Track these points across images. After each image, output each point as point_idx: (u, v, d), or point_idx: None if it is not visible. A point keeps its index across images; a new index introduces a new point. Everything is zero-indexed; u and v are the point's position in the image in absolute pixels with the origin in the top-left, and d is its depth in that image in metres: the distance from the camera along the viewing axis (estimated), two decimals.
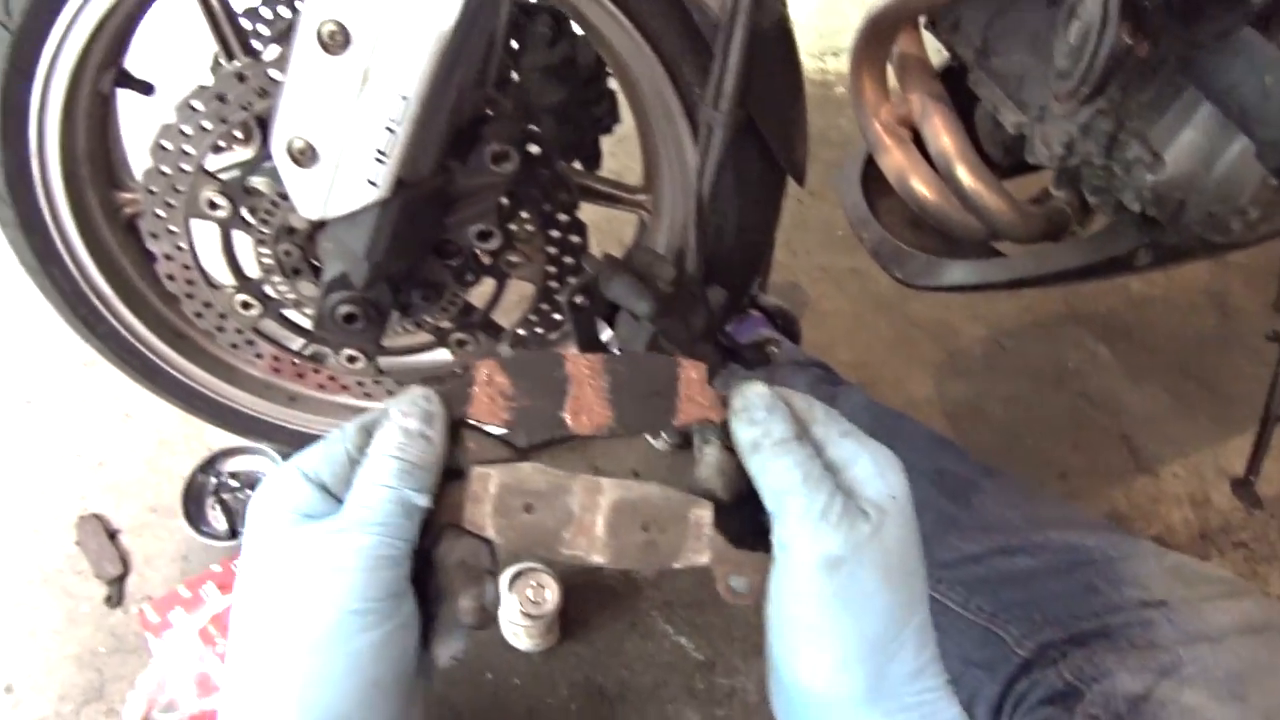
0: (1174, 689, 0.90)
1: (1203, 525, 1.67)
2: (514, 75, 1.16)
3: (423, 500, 0.58)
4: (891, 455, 0.62)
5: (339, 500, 0.60)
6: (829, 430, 0.61)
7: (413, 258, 1.01)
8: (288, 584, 0.58)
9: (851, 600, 0.57)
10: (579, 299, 1.04)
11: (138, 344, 1.33)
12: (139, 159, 1.19)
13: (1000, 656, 1.03)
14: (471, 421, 0.62)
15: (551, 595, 1.34)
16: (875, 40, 1.30)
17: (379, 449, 0.59)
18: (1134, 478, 1.72)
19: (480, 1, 0.80)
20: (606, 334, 1.14)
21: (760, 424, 0.59)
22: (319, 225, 1.06)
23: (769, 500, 0.59)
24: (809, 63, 2.38)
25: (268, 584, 0.59)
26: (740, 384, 0.62)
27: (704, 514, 0.61)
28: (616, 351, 1.10)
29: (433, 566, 0.62)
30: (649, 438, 1.59)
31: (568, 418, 0.62)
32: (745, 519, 0.61)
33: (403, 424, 0.59)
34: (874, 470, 0.60)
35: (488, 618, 0.62)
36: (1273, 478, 1.71)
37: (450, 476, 0.61)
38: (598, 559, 0.61)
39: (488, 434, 0.63)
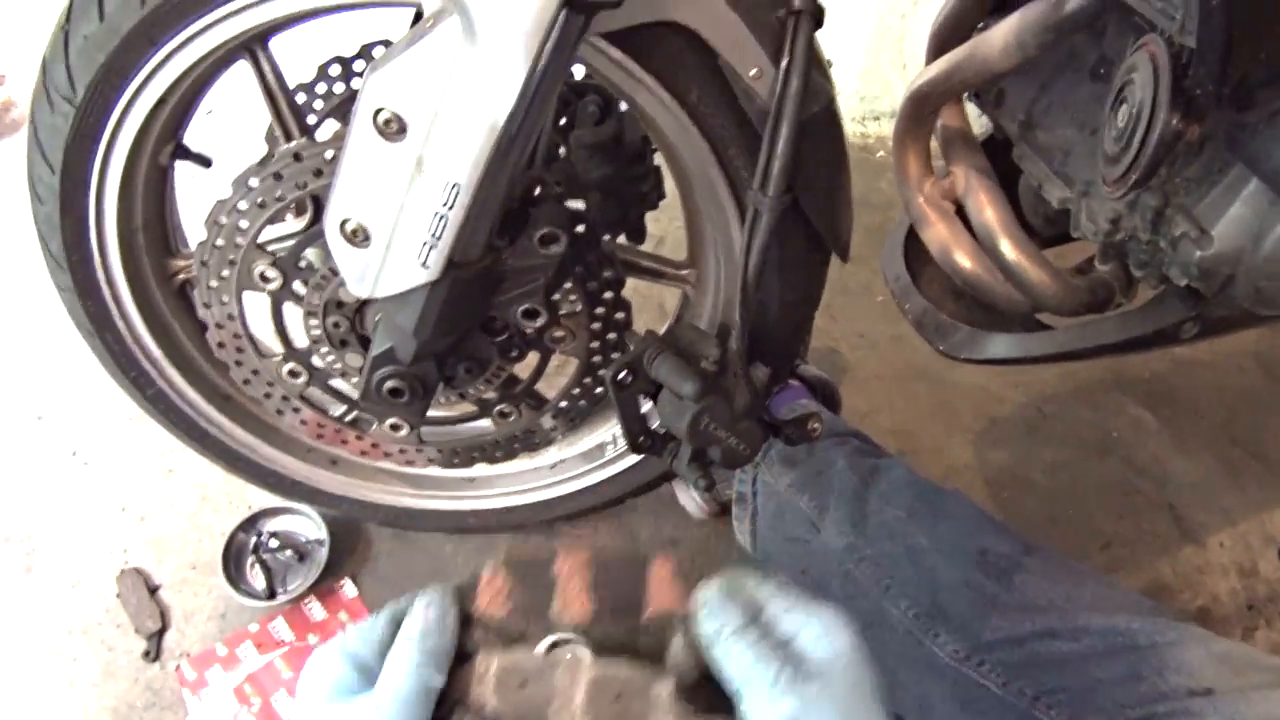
0: None
1: (1250, 595, 1.63)
2: (561, 151, 1.18)
3: (439, 681, 0.66)
4: (835, 617, 0.67)
5: (372, 680, 0.68)
6: (778, 607, 0.67)
7: (459, 335, 1.02)
8: None
9: None
10: (623, 376, 1.04)
11: (185, 406, 1.35)
12: (193, 227, 1.22)
13: None
14: (479, 615, 0.71)
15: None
16: (918, 115, 1.30)
17: (405, 634, 0.67)
18: (1179, 547, 1.69)
19: (535, 95, 0.81)
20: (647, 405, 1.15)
21: (717, 618, 0.65)
22: (368, 300, 1.08)
23: (730, 683, 0.64)
24: (850, 127, 2.40)
25: None
26: (703, 585, 0.68)
27: (664, 688, 0.68)
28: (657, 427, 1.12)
29: None
30: (689, 504, 1.59)
31: (554, 613, 0.69)
32: (715, 690, 0.67)
33: (424, 615, 0.67)
34: (820, 633, 0.65)
35: None
36: None
37: (461, 659, 0.69)
38: None
39: (490, 625, 0.71)
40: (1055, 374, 1.91)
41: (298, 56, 1.24)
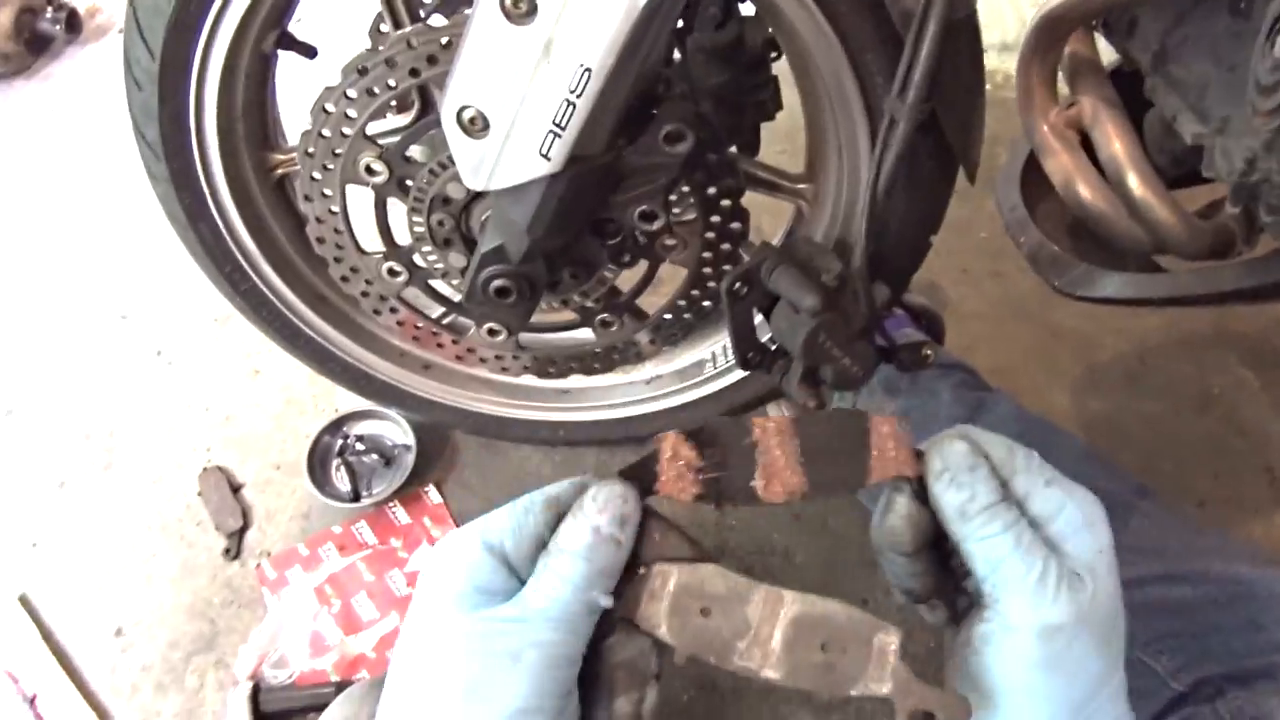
0: None
1: None
2: (677, 54, 1.14)
3: (607, 602, 0.59)
4: (1095, 502, 0.62)
5: (518, 577, 0.60)
6: (1032, 481, 0.61)
7: (572, 235, 0.99)
8: (462, 666, 0.58)
9: (1064, 665, 0.58)
10: (738, 286, 1.00)
11: (279, 304, 1.35)
12: (293, 121, 1.20)
13: (1152, 688, 0.98)
14: (657, 510, 0.61)
15: None
16: (1047, 39, 1.24)
17: (569, 543, 0.59)
18: (1275, 511, 1.63)
19: None
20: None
21: (965, 487, 0.59)
22: (476, 196, 1.05)
23: (980, 566, 0.59)
24: None
25: (440, 660, 0.59)
26: (939, 442, 0.61)
27: (891, 640, 0.59)
28: (771, 346, 1.07)
29: (599, 656, 0.62)
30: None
31: (759, 486, 0.60)
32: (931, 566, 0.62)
33: (595, 523, 0.59)
34: (1081, 522, 0.60)
35: None
36: None
37: (629, 566, 0.61)
38: (770, 674, 0.60)
39: (673, 526, 0.62)
40: (1158, 324, 1.84)
41: None
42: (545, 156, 0.87)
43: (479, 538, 0.61)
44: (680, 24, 1.14)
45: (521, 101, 0.86)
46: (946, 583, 0.64)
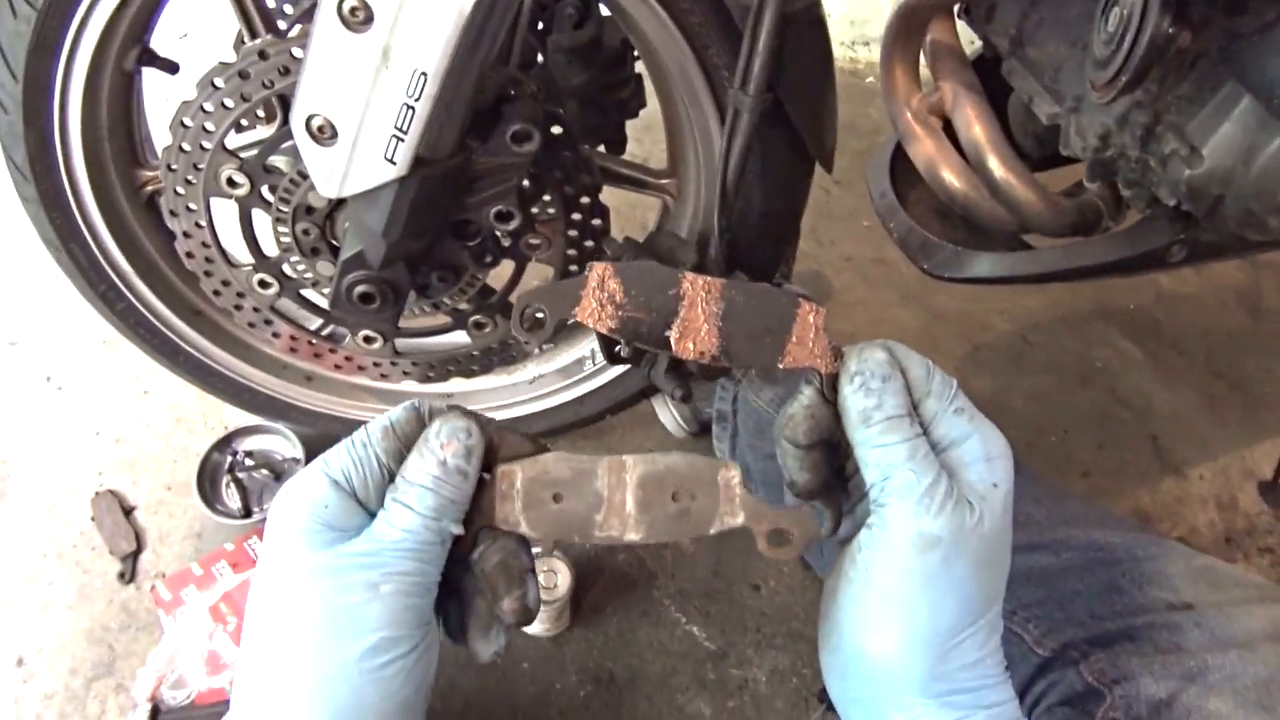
0: (1200, 695, 0.88)
1: (1228, 528, 1.64)
2: (539, 57, 1.15)
3: (457, 529, 0.60)
4: (1000, 439, 0.62)
5: (365, 510, 0.61)
6: (942, 406, 0.61)
7: (431, 238, 1.00)
8: (318, 604, 0.58)
9: (938, 583, 0.58)
10: None
11: (156, 321, 1.33)
12: (160, 137, 1.19)
13: (1019, 655, 1.00)
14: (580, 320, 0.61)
15: (563, 580, 1.33)
16: (908, 28, 1.27)
17: (415, 475, 0.60)
18: (1160, 478, 1.69)
19: None
20: None
21: (874, 394, 0.59)
22: (338, 204, 1.05)
23: (870, 471, 0.59)
24: (840, 51, 2.35)
25: (295, 600, 0.59)
26: (861, 348, 0.61)
27: (732, 474, 0.62)
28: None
29: (468, 568, 0.63)
30: (669, 421, 1.57)
31: (673, 337, 0.61)
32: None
33: (440, 457, 0.60)
34: (981, 454, 0.60)
35: (531, 615, 0.64)
36: None
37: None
38: (632, 536, 0.62)
39: (506, 427, 0.63)
40: (1041, 303, 1.89)
41: None
42: (391, 161, 0.88)
43: (322, 474, 0.61)
44: (540, 26, 1.16)
45: (365, 108, 0.87)
46: (834, 488, 0.65)
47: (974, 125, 1.25)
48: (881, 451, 0.58)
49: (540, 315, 0.62)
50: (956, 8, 1.33)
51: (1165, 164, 1.11)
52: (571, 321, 0.61)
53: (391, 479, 0.62)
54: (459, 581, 0.65)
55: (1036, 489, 1.16)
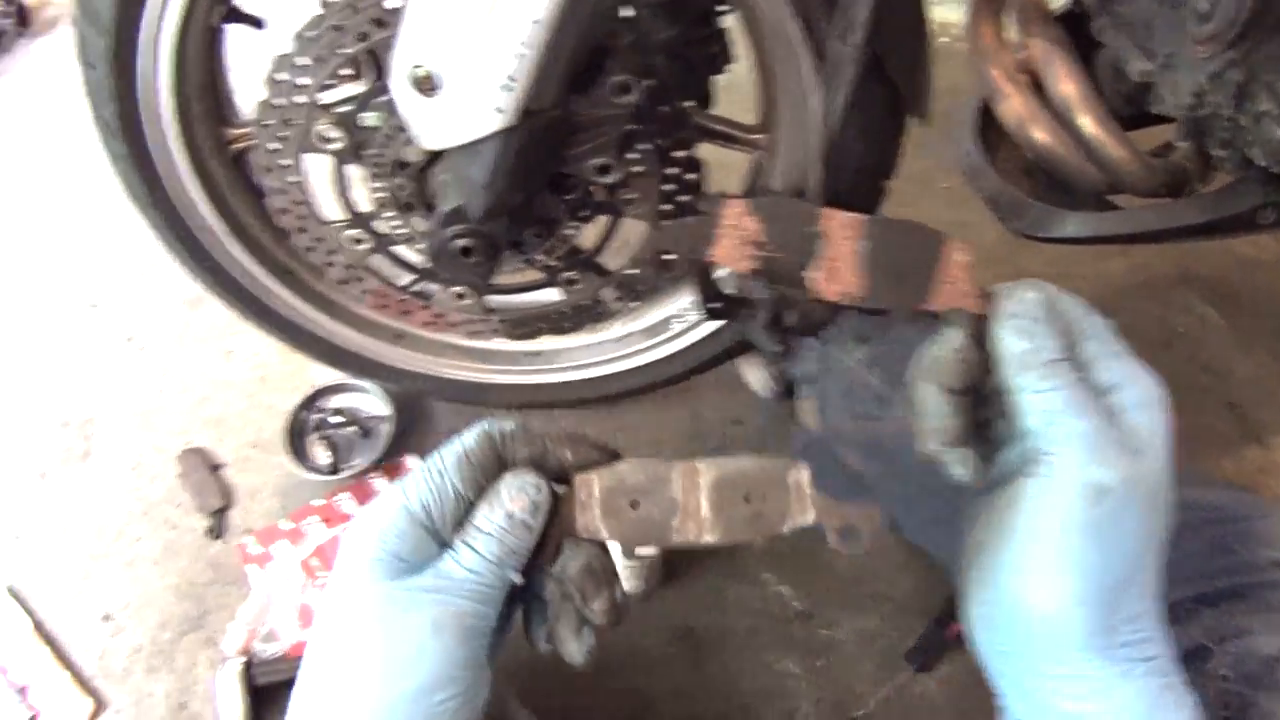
0: None
1: None
2: (626, 11, 1.14)
3: (519, 579, 0.65)
4: (1158, 385, 0.61)
5: (436, 540, 0.66)
6: (1101, 349, 0.61)
7: (531, 190, 1.00)
8: (381, 634, 0.62)
9: (1108, 535, 0.57)
10: None
11: (244, 279, 1.35)
12: (245, 95, 1.21)
13: None
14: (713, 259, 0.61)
15: None
16: None
17: (485, 524, 0.65)
18: (1242, 446, 1.66)
19: None
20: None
21: (1032, 337, 0.57)
22: (433, 158, 1.06)
23: (1032, 419, 0.57)
24: None
25: (361, 627, 0.63)
26: (1014, 288, 0.60)
27: (802, 475, 0.63)
28: None
29: (551, 576, 0.68)
30: (755, 382, 1.57)
31: (817, 278, 0.60)
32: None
33: (509, 509, 0.65)
34: (1143, 400, 0.59)
35: (621, 615, 0.68)
36: None
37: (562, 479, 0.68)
38: (709, 539, 0.65)
39: (577, 437, 0.68)
40: (1123, 268, 1.87)
41: None
42: (499, 110, 0.88)
43: (400, 504, 0.65)
44: None
45: (471, 57, 0.87)
46: (973, 437, 0.62)
47: (1064, 82, 1.23)
48: (1043, 397, 0.57)
49: (669, 256, 0.64)
50: None
51: (1259, 122, 1.09)
52: (705, 259, 0.60)
53: (468, 506, 0.67)
54: (542, 590, 0.69)
55: None
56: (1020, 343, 0.58)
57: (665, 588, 1.43)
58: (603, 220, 1.18)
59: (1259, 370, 1.76)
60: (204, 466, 1.59)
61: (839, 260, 0.59)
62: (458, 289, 1.17)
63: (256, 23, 1.23)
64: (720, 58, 1.17)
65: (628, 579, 1.37)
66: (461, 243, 1.00)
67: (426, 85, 0.91)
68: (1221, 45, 0.97)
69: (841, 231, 0.59)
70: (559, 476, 0.68)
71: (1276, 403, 1.71)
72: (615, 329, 1.41)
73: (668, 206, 1.10)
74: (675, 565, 1.45)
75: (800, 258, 0.59)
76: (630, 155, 1.05)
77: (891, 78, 1.00)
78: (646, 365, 1.42)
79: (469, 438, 0.69)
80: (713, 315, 1.06)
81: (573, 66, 0.90)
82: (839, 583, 1.44)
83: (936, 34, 2.35)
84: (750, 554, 1.47)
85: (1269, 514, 1.02)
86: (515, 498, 0.65)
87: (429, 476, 0.67)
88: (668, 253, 1.13)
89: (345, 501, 1.52)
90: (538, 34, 0.83)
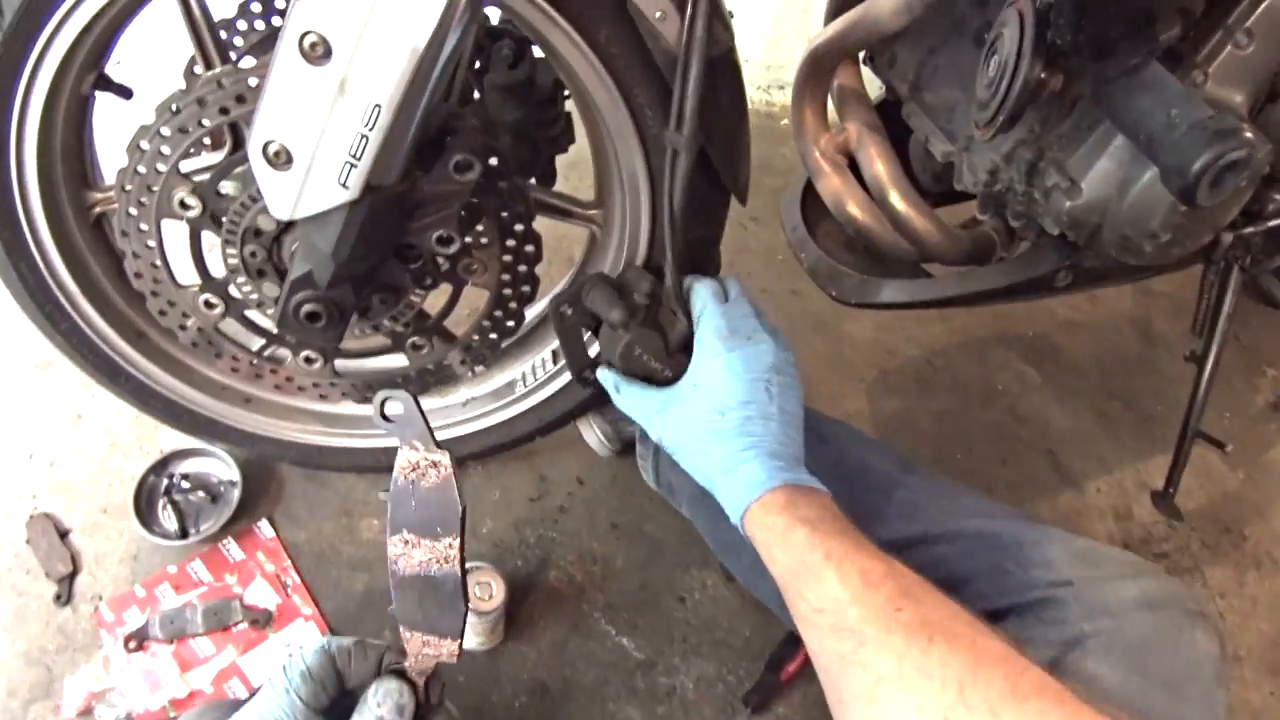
0: (1079, 660, 0.98)
1: (1126, 537, 1.76)
2: (477, 94, 1.23)
3: None
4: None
5: None
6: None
7: (376, 259, 1.06)
8: None
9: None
10: (565, 309, 1.12)
11: (99, 341, 1.36)
12: (109, 160, 1.24)
13: None
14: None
15: (498, 592, 1.38)
16: (816, 73, 1.37)
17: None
18: (1059, 491, 1.80)
19: (452, 22, 0.86)
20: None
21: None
22: (286, 227, 1.11)
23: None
24: (755, 95, 2.47)
25: None
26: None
27: None
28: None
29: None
30: (594, 441, 1.66)
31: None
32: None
33: (378, 713, 0.84)
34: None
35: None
36: (1192, 491, 1.80)
37: None
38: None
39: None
40: (945, 330, 2.01)
41: None
42: (344, 185, 0.95)
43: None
44: (478, 64, 1.24)
45: (321, 135, 0.93)
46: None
47: (876, 163, 1.35)
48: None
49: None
50: (861, 55, 1.45)
51: (1048, 196, 1.20)
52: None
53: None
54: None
55: (932, 486, 1.26)
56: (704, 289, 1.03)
57: (513, 641, 1.48)
58: (448, 287, 1.24)
59: (1075, 421, 1.92)
60: (52, 531, 1.57)
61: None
62: (307, 353, 1.22)
63: (126, 92, 1.27)
64: (563, 138, 1.26)
65: (474, 635, 1.41)
66: (309, 308, 1.05)
67: (280, 159, 0.96)
68: (994, 130, 1.09)
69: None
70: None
71: (1090, 451, 1.87)
72: (461, 393, 1.47)
73: (508, 276, 1.17)
74: (518, 621, 1.50)
75: None
76: (471, 229, 1.12)
77: (713, 163, 1.09)
78: (493, 427, 1.48)
79: (310, 657, 0.85)
80: (583, 384, 1.16)
81: (417, 146, 0.97)
82: (679, 631, 1.51)
83: (777, 117, 2.53)
84: (592, 606, 1.53)
85: (1045, 538, 1.14)
86: (381, 702, 0.83)
87: (277, 700, 0.82)
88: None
89: (198, 568, 1.52)
90: (380, 117, 0.90)
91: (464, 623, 0.91)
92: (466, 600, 0.92)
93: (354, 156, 0.92)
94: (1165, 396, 1.96)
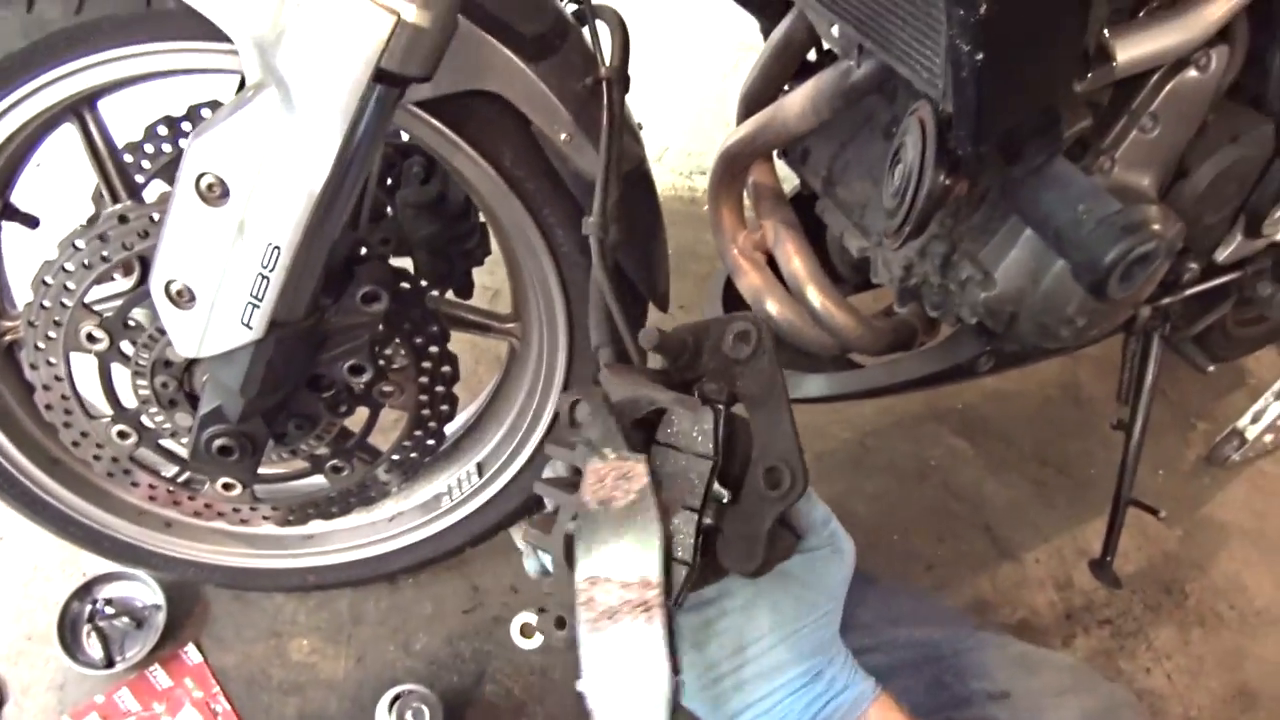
0: None
1: (1067, 606, 1.76)
2: (389, 210, 1.22)
3: None
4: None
5: None
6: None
7: (286, 392, 1.05)
8: None
9: None
10: None
11: (14, 470, 1.33)
12: (20, 287, 1.22)
13: None
14: None
15: (432, 716, 1.35)
16: (730, 172, 1.39)
17: None
18: (998, 565, 1.81)
19: (350, 164, 0.86)
20: None
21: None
22: (195, 360, 1.09)
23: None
24: (679, 181, 2.48)
25: None
26: None
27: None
28: None
29: None
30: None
31: None
32: None
33: None
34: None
35: None
36: (1130, 554, 1.82)
37: None
38: None
39: None
40: (876, 410, 2.02)
41: (128, 114, 1.26)
42: (247, 325, 0.93)
43: None
44: (389, 181, 1.24)
45: (221, 276, 0.92)
46: None
47: (793, 259, 1.36)
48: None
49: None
50: (775, 152, 1.47)
51: (964, 288, 1.22)
52: None
53: None
54: None
55: (868, 593, 1.25)
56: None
57: None
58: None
59: (1010, 492, 1.93)
60: None
61: None
62: (226, 480, 1.20)
63: (32, 222, 1.25)
64: (478, 250, 1.26)
65: None
66: (220, 442, 1.03)
67: (182, 298, 0.95)
68: (901, 239, 1.10)
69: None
70: None
71: (1027, 522, 1.88)
72: (388, 508, 1.45)
73: (425, 398, 1.16)
74: None
75: None
76: (385, 354, 1.11)
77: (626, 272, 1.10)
78: (421, 542, 1.46)
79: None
80: None
81: (320, 280, 0.96)
82: None
83: (700, 202, 2.55)
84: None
85: (981, 645, 1.13)
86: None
87: None
88: None
89: (125, 697, 1.48)
90: (280, 258, 0.90)
91: (670, 699, 0.65)
92: (675, 665, 0.66)
93: (255, 297, 0.92)
94: (1098, 459, 1.98)
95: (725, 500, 0.69)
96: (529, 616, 0.70)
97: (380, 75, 0.82)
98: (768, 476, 0.68)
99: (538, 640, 0.70)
